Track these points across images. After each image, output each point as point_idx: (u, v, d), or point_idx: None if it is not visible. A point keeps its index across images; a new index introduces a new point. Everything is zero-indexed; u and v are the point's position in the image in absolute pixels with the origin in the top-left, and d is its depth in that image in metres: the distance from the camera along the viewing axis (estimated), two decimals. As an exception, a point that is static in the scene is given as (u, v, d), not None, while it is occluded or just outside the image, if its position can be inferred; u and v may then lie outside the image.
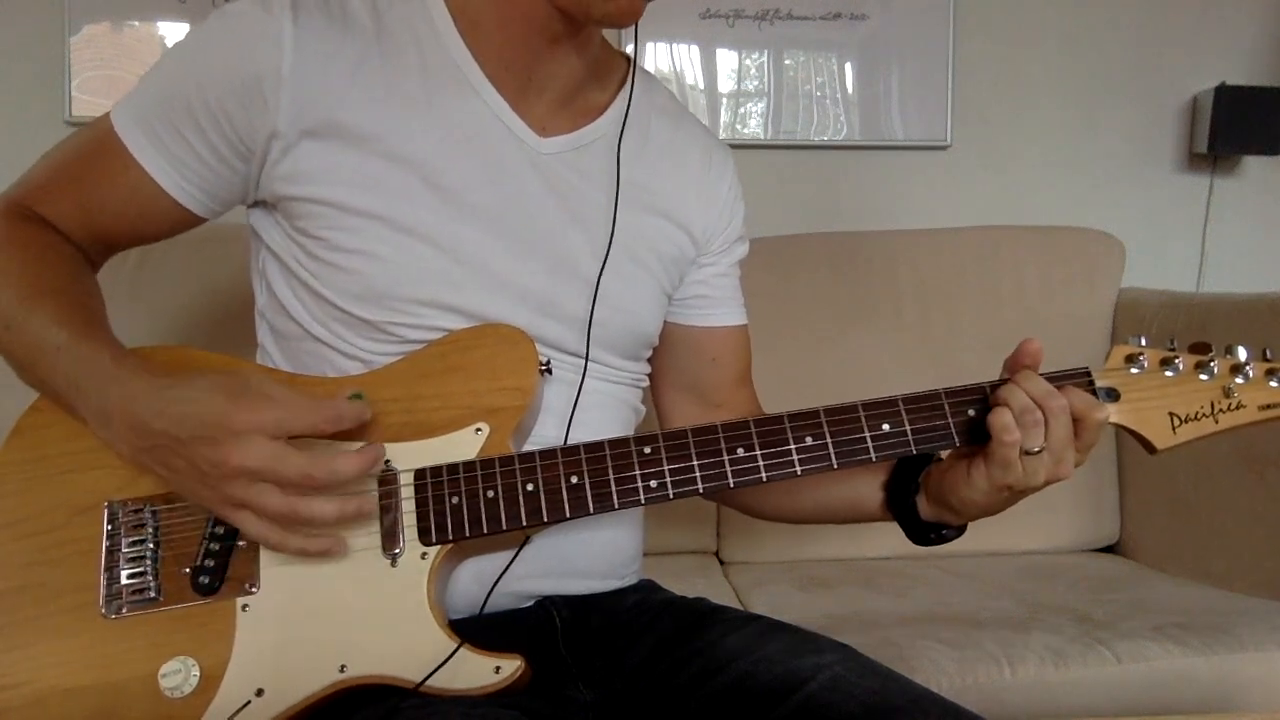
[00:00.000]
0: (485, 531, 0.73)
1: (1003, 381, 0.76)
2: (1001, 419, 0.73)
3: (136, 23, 1.84)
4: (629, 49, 0.95)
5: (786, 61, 1.93)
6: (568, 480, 0.74)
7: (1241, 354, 0.76)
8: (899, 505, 0.86)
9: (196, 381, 0.69)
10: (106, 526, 0.74)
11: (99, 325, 0.76)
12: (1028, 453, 0.73)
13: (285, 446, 0.66)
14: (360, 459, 0.69)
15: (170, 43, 1.86)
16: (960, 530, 0.85)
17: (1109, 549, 1.66)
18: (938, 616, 1.23)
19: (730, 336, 0.98)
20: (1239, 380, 0.75)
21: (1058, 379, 0.76)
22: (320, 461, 0.67)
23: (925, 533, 0.86)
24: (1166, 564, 1.54)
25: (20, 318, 0.75)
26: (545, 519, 0.73)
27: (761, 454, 0.75)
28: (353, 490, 0.71)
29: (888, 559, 1.58)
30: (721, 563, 1.61)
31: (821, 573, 1.49)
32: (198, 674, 0.70)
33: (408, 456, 0.75)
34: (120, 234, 0.83)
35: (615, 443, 0.75)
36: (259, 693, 0.70)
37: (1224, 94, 1.88)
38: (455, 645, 0.70)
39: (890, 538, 1.58)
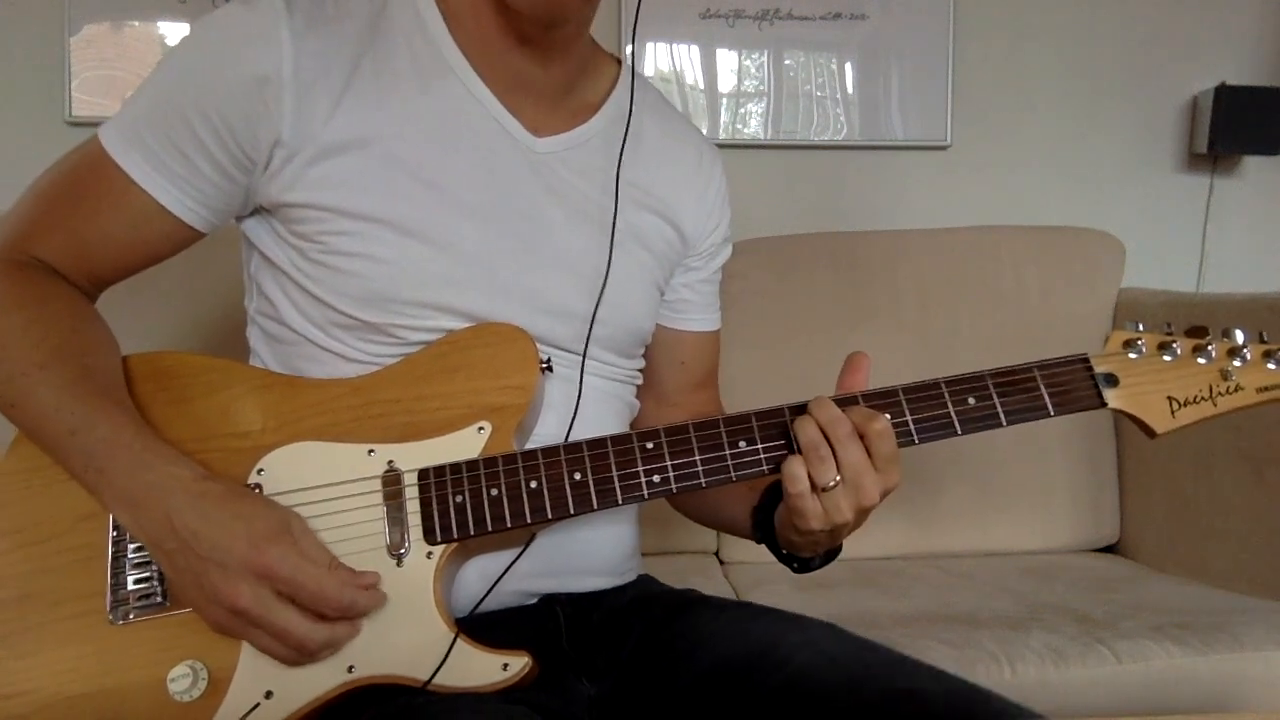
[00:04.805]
0: (490, 530, 0.73)
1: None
2: (788, 469, 0.71)
3: (136, 23, 1.84)
4: (627, 49, 0.95)
5: (786, 61, 1.93)
6: (571, 477, 0.74)
7: (1239, 337, 0.76)
8: (765, 533, 0.83)
9: (240, 506, 0.69)
10: (112, 532, 0.74)
11: (108, 396, 0.73)
12: (824, 489, 0.70)
13: (281, 604, 0.67)
14: (348, 627, 0.70)
15: (170, 43, 1.86)
16: (828, 557, 0.82)
17: (1109, 549, 1.66)
18: (938, 616, 1.23)
19: (702, 342, 0.99)
20: (1236, 363, 0.75)
21: (1053, 366, 0.76)
22: (319, 633, 0.68)
23: (789, 562, 0.83)
24: (1166, 564, 1.54)
25: (25, 395, 0.72)
26: (549, 516, 0.74)
27: (763, 447, 0.75)
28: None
29: (888, 559, 1.58)
30: (721, 563, 1.61)
31: (821, 573, 1.47)
32: (206, 677, 0.70)
33: (411, 457, 0.75)
34: (118, 265, 0.80)
35: (618, 438, 0.75)
36: (268, 695, 0.70)
37: (1224, 94, 1.89)
38: (462, 643, 0.70)
39: (890, 538, 1.59)
